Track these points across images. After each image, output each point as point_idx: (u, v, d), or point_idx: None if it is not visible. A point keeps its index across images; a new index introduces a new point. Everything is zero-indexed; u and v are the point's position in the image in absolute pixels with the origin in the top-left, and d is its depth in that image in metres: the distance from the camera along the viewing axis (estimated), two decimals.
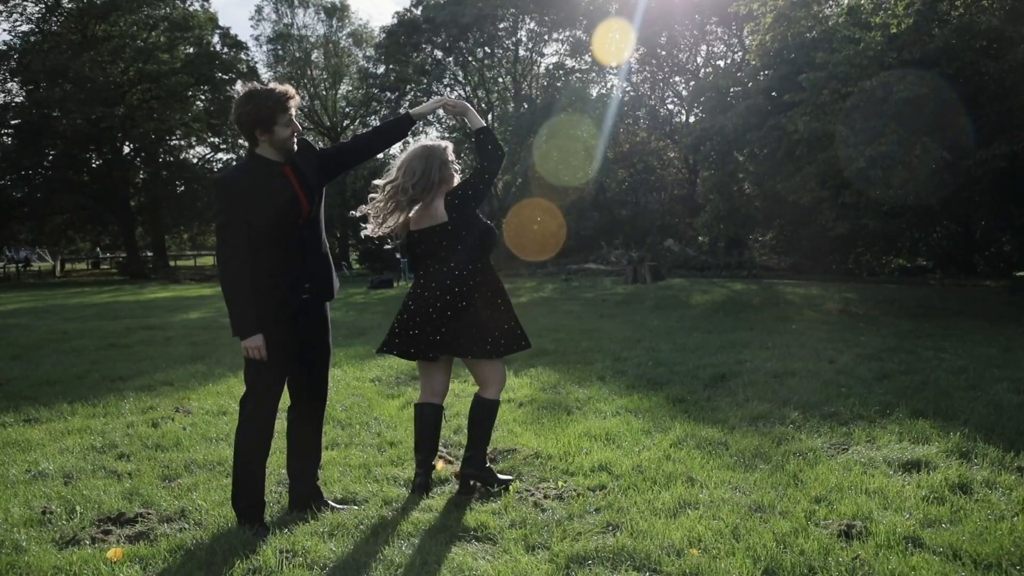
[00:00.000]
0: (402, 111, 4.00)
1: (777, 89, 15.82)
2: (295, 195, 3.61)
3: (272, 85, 3.61)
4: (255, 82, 3.73)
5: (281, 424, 3.96)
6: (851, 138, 12.78)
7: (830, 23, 15.34)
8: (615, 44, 30.24)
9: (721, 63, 32.59)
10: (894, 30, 12.85)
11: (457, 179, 4.16)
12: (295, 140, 3.65)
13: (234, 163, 40.90)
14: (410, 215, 4.12)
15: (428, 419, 4.10)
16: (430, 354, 4.05)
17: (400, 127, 4.02)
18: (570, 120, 28.73)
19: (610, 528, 3.56)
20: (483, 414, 4.11)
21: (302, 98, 41.96)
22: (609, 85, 33.80)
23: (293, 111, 3.60)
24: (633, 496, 3.94)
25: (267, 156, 3.62)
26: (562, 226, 28.28)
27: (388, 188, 4.07)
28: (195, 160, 40.67)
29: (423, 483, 4.05)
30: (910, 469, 4.29)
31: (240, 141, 40.70)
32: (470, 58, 34.61)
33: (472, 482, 4.06)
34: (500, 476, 4.15)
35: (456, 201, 4.04)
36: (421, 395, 4.21)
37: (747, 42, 22.37)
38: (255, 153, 3.63)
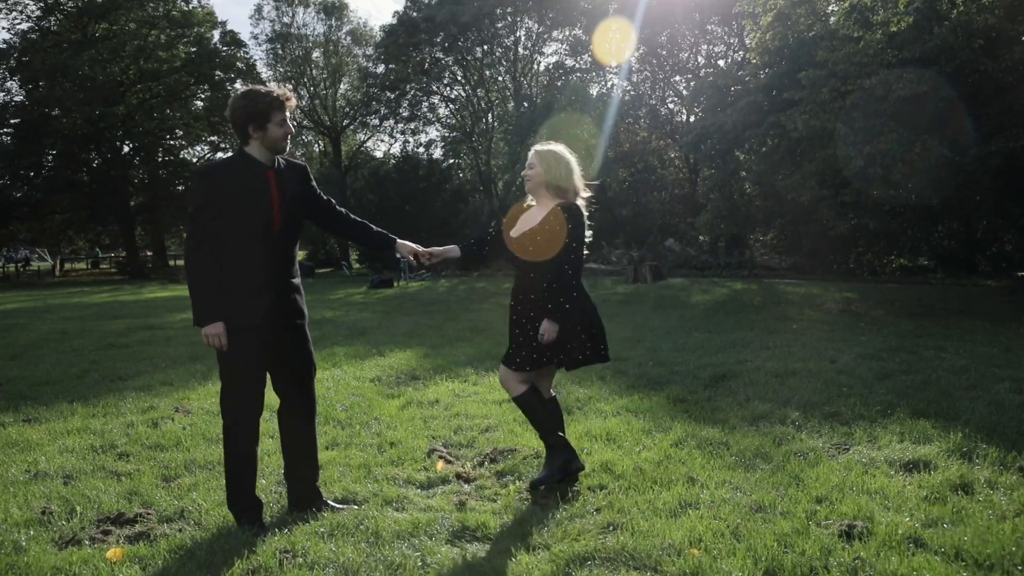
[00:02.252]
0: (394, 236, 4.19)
1: (777, 87, 15.80)
2: (271, 201, 3.61)
3: (272, 86, 3.64)
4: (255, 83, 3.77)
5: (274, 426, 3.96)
6: (850, 136, 12.76)
7: (831, 21, 15.33)
8: (615, 43, 30.22)
9: (722, 62, 32.58)
10: (894, 28, 12.83)
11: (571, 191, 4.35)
12: (287, 144, 3.69)
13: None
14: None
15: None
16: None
17: (380, 240, 4.09)
18: (570, 119, 28.70)
19: (610, 528, 3.56)
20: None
21: (301, 98, 42.16)
22: (609, 84, 33.81)
23: (289, 112, 3.64)
24: (634, 496, 3.93)
25: (255, 156, 3.65)
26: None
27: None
28: (194, 160, 40.65)
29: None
30: (911, 469, 4.29)
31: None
32: (469, 57, 34.58)
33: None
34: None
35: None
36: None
37: (747, 41, 22.38)
38: (243, 151, 3.66)
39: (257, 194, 3.59)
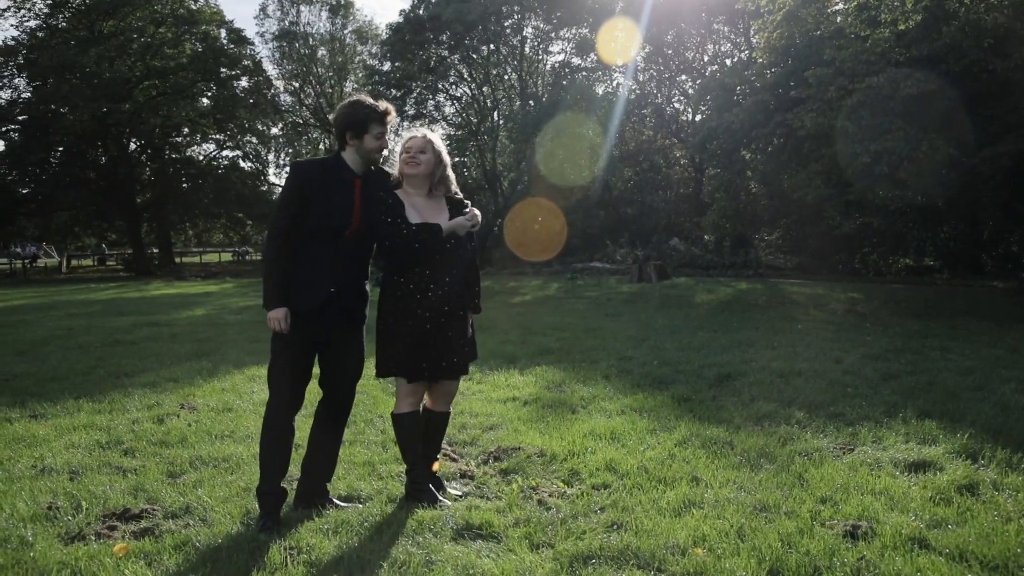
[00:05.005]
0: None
1: (784, 86, 15.77)
2: (353, 205, 3.77)
3: (379, 102, 3.84)
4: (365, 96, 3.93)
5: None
6: (857, 134, 12.73)
7: (838, 20, 15.29)
8: (620, 43, 30.18)
9: (728, 61, 32.52)
10: (902, 27, 12.79)
11: (452, 182, 4.05)
12: (380, 157, 3.89)
13: (238, 158, 41.03)
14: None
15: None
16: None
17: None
18: (576, 118, 28.67)
19: (614, 527, 3.56)
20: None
21: (307, 96, 42.19)
22: (615, 84, 33.75)
23: (387, 128, 3.82)
24: (638, 495, 3.93)
25: (348, 162, 3.83)
26: (564, 226, 28.17)
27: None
28: (200, 157, 40.74)
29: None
30: (916, 470, 4.28)
31: (246, 138, 40.78)
32: (475, 56, 34.56)
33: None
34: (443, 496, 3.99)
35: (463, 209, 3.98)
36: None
37: (754, 40, 22.32)
38: (339, 155, 3.85)
39: (341, 198, 3.76)
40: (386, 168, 4.02)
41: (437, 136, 3.99)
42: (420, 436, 4.02)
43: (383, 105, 3.81)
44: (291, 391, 3.80)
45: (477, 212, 4.03)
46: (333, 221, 3.73)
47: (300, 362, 3.80)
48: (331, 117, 3.90)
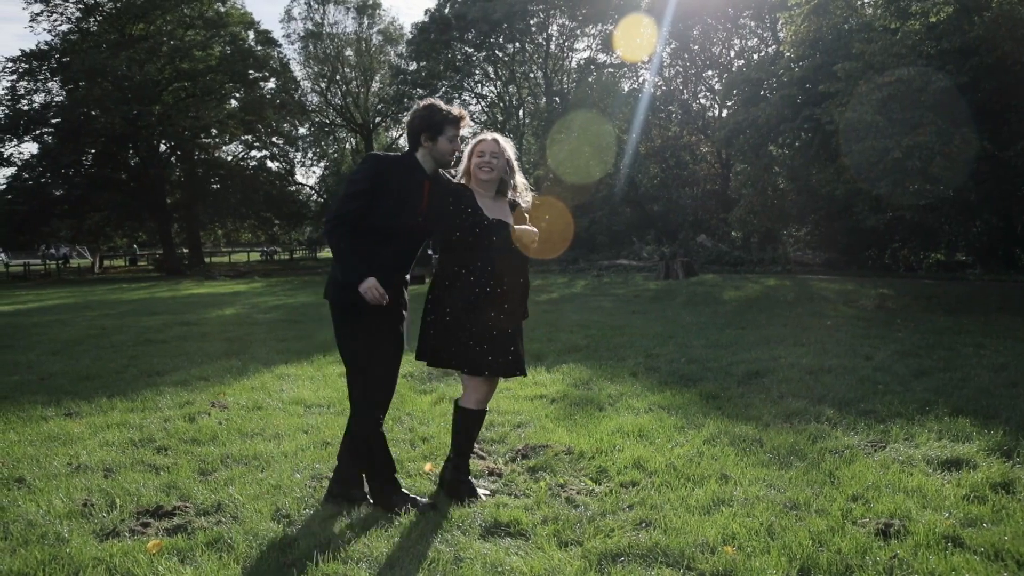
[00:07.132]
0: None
1: (811, 80, 15.59)
2: (419, 208, 3.80)
3: (452, 107, 3.89)
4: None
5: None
6: (888, 128, 12.53)
7: (868, 12, 15.08)
8: (641, 39, 30.04)
9: (755, 56, 32.23)
10: (933, 19, 12.58)
11: (520, 184, 4.07)
12: (452, 160, 3.92)
13: (266, 159, 41.37)
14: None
15: None
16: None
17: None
18: (601, 115, 28.57)
19: (643, 525, 3.54)
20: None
21: (333, 96, 42.51)
22: (641, 80, 33.60)
23: (461, 131, 3.87)
24: (666, 493, 3.91)
25: (420, 162, 3.87)
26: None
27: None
28: (229, 158, 41.19)
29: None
30: (950, 467, 4.22)
31: (274, 139, 41.16)
32: (500, 54, 34.59)
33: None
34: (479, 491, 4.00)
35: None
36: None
37: (780, 34, 22.09)
38: (412, 154, 3.89)
39: (411, 198, 3.79)
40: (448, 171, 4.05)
41: (508, 141, 4.03)
42: (478, 430, 4.05)
43: (457, 110, 3.85)
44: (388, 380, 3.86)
45: (535, 229, 3.99)
46: (399, 220, 3.75)
47: (391, 337, 3.82)
48: (405, 121, 3.95)
